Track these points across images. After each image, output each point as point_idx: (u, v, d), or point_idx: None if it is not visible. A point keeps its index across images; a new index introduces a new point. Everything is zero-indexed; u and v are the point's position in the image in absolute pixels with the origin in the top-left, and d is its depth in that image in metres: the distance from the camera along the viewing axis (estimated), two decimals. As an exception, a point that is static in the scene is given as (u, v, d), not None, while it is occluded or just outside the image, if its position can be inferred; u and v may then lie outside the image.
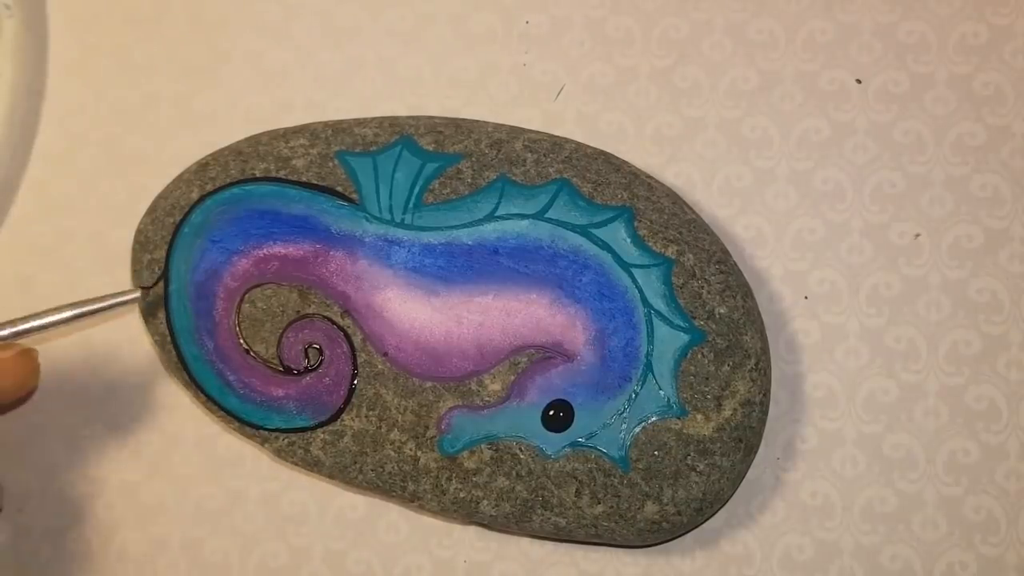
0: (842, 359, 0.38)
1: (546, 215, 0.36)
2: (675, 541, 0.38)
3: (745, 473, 0.36)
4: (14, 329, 0.36)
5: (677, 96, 0.40)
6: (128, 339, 0.41)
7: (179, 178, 0.38)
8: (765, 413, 0.36)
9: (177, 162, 0.39)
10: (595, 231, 0.36)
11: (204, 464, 0.40)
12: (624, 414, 0.35)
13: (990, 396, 0.37)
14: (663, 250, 0.36)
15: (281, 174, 0.37)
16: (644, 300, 0.35)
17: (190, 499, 0.40)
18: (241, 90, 0.42)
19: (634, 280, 0.35)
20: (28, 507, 0.40)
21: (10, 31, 0.42)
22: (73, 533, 0.40)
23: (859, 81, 0.39)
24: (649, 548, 0.38)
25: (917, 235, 0.38)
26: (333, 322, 0.36)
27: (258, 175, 0.37)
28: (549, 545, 0.38)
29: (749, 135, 0.39)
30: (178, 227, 0.37)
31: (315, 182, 0.37)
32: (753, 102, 0.39)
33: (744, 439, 0.35)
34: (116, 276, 0.41)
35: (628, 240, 0.36)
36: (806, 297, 0.38)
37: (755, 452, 0.36)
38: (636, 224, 0.36)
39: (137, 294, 0.36)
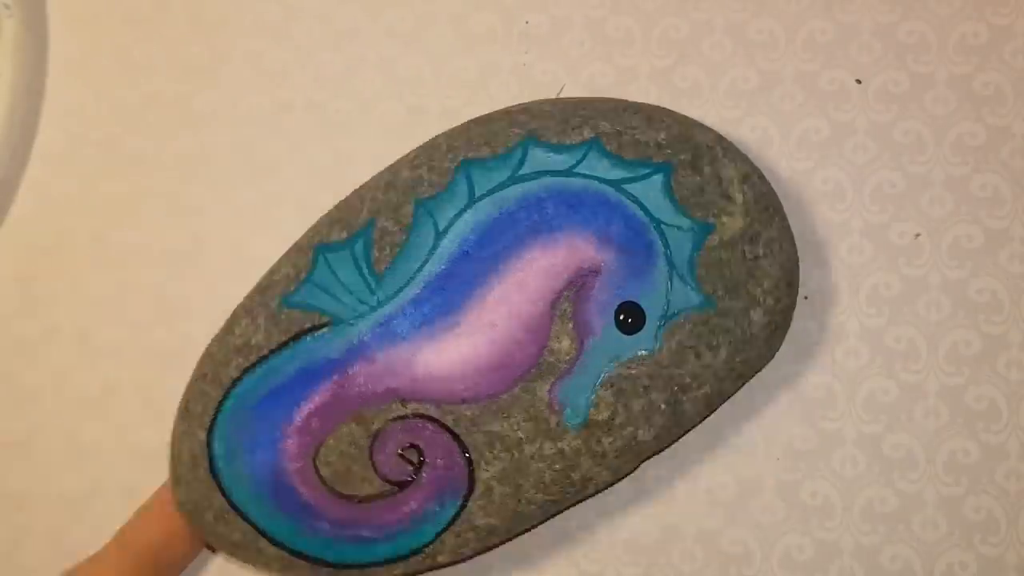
0: (842, 359, 0.38)
1: (478, 198, 0.36)
2: (675, 541, 0.38)
3: (791, 232, 0.36)
4: None
5: (677, 96, 0.40)
6: (127, 336, 0.41)
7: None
8: (766, 182, 0.36)
9: (177, 162, 0.39)
10: (522, 182, 0.36)
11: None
12: (673, 270, 0.35)
13: (990, 396, 0.37)
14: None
15: (252, 360, 0.36)
16: (605, 183, 0.36)
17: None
18: (241, 90, 0.42)
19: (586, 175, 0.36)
20: (28, 507, 0.40)
21: (10, 31, 0.42)
22: (73, 533, 0.40)
23: (859, 81, 0.39)
24: (649, 548, 0.38)
25: (917, 235, 0.38)
26: (402, 417, 0.35)
27: (235, 376, 0.36)
28: (548, 546, 0.38)
29: (749, 135, 0.39)
30: (211, 463, 0.36)
31: (283, 339, 0.36)
32: (753, 102, 0.39)
33: (770, 205, 0.36)
34: (116, 276, 0.41)
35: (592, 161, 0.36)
36: (806, 297, 0.38)
37: (783, 211, 0.36)
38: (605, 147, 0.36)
39: None
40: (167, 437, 0.41)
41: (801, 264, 0.38)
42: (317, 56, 0.42)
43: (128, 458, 0.40)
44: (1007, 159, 0.38)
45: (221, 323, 0.41)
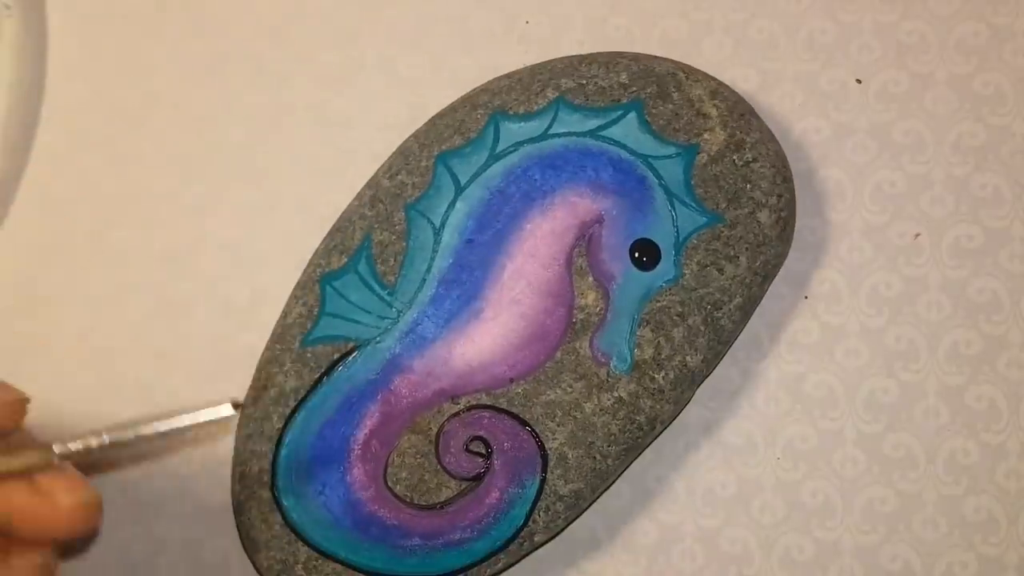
0: (842, 359, 0.38)
1: (464, 186, 0.36)
2: (675, 541, 0.38)
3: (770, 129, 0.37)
4: (100, 441, 0.32)
5: (677, 96, 0.40)
6: (127, 336, 0.41)
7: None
8: (734, 92, 0.37)
9: (177, 162, 0.39)
10: (502, 158, 0.37)
11: (205, 464, 0.40)
12: (673, 198, 0.36)
13: (990, 396, 0.37)
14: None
15: (292, 406, 0.36)
16: (582, 136, 0.36)
17: (190, 499, 0.40)
18: (242, 90, 0.42)
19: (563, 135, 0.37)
20: (28, 507, 0.40)
21: (10, 31, 0.42)
22: (73, 533, 0.40)
23: (859, 81, 0.39)
24: (649, 548, 0.38)
25: (917, 235, 0.38)
26: (457, 413, 0.36)
27: (280, 426, 0.36)
28: (550, 545, 0.38)
29: (749, 135, 0.39)
30: (285, 517, 0.36)
31: (316, 376, 0.36)
32: (754, 102, 0.39)
33: (744, 111, 0.37)
34: (117, 276, 0.41)
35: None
36: (806, 297, 0.38)
37: (756, 114, 0.37)
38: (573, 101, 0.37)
39: (231, 412, 0.31)
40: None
41: (801, 264, 0.38)
42: (317, 56, 0.42)
43: (130, 450, 0.40)
44: (1007, 159, 0.38)
45: (220, 323, 0.41)
